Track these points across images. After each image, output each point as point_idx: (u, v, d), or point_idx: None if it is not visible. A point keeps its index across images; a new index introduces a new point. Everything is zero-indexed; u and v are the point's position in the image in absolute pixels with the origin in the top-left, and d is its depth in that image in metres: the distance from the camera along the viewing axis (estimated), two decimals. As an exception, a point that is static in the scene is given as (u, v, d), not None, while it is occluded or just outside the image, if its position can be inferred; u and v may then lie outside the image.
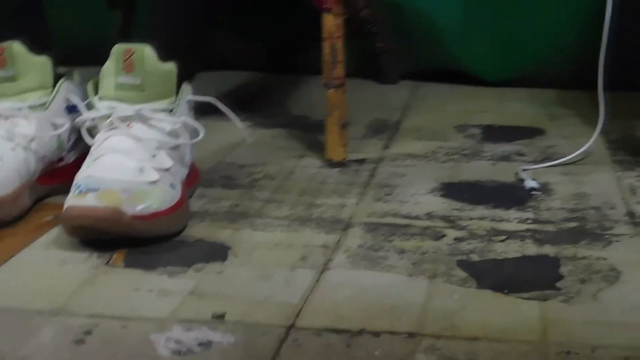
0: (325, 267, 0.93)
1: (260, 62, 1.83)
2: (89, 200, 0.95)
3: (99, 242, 0.98)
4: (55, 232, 1.02)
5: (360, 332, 0.79)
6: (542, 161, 1.28)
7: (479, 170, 1.26)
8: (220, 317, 0.82)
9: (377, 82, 1.79)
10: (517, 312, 0.83)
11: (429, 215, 1.08)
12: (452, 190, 1.17)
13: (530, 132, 1.44)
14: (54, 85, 1.10)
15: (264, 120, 1.49)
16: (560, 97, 1.66)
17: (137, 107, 1.04)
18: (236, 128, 1.12)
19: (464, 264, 0.94)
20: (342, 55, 1.25)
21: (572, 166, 1.27)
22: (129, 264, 0.94)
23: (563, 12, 1.68)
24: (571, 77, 1.69)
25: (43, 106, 1.08)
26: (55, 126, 1.09)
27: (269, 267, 0.93)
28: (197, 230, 1.03)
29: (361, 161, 1.29)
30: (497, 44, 1.71)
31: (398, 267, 0.94)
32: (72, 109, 1.11)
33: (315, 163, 1.28)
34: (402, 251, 0.98)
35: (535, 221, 1.06)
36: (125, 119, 1.04)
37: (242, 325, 0.81)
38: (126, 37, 1.75)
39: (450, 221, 1.07)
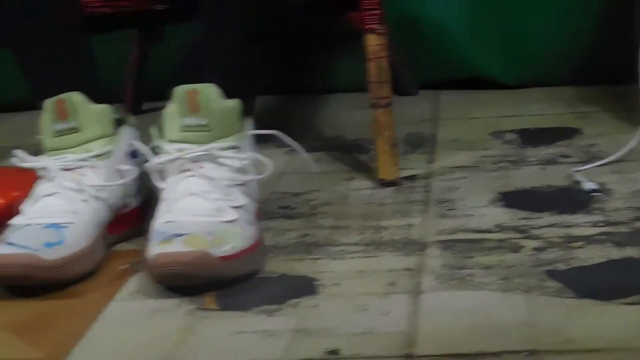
0: (417, 291, 0.94)
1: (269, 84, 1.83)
2: (177, 246, 0.95)
3: (183, 288, 0.98)
4: (135, 280, 1.02)
5: (481, 354, 0.80)
6: (589, 161, 1.30)
7: (531, 176, 1.27)
8: (334, 352, 0.82)
9: (397, 94, 1.79)
10: (626, 319, 0.84)
11: (500, 227, 1.09)
12: (512, 199, 1.18)
13: (566, 133, 1.46)
14: (114, 133, 1.10)
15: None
16: (581, 93, 1.68)
17: (206, 147, 1.04)
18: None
19: (553, 274, 0.95)
20: (388, 75, 1.25)
21: (619, 164, 1.28)
22: (223, 306, 0.94)
23: (572, 8, 1.70)
24: (587, 72, 1.71)
25: (107, 155, 1.08)
26: (121, 173, 1.09)
27: (361, 296, 0.94)
28: (276, 265, 1.03)
29: (411, 178, 1.30)
30: (509, 45, 1.72)
31: (489, 284, 0.94)
32: (134, 155, 1.11)
33: (367, 184, 1.29)
34: (486, 267, 0.98)
35: (606, 223, 1.07)
36: (196, 160, 1.04)
37: (359, 359, 0.81)
38: (141, 73, 1.76)
39: (522, 231, 1.08)
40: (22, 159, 1.08)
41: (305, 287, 0.97)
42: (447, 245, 1.05)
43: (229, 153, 1.05)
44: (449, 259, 1.01)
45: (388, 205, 1.20)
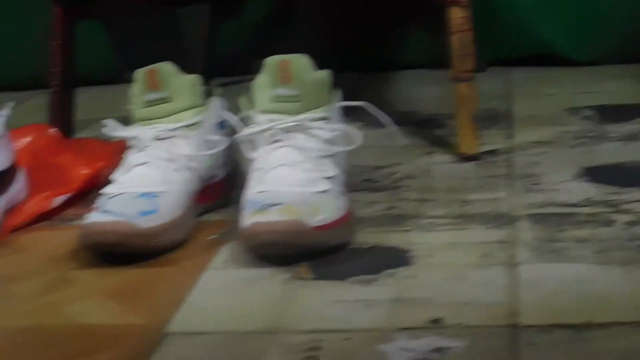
0: (513, 263, 0.94)
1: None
2: (272, 216, 0.95)
3: (276, 258, 0.98)
4: (226, 250, 1.03)
5: (588, 325, 0.79)
6: (674, 137, 1.28)
7: (614, 151, 1.26)
8: (436, 321, 0.82)
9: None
10: None
11: (589, 201, 1.09)
12: (597, 174, 1.17)
13: (644, 109, 1.44)
14: (204, 103, 1.10)
15: (373, 120, 1.48)
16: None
17: (298, 117, 1.04)
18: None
19: (650, 249, 0.94)
20: (471, 48, 1.25)
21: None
22: (318, 276, 0.94)
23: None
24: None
25: (198, 125, 1.09)
26: (210, 144, 1.09)
27: (457, 267, 0.94)
28: (366, 237, 1.03)
29: (492, 153, 1.29)
30: (581, 21, 1.71)
31: (585, 257, 0.94)
32: (222, 125, 1.11)
33: (447, 158, 1.28)
34: (580, 240, 0.98)
35: (699, 199, 1.06)
36: (287, 131, 1.04)
37: (464, 328, 0.81)
38: (210, 48, 1.76)
39: (612, 205, 1.07)
40: (113, 129, 1.09)
41: (398, 258, 0.97)
42: (537, 218, 1.05)
43: (319, 124, 1.05)
44: (541, 232, 1.01)
45: (471, 179, 1.20)
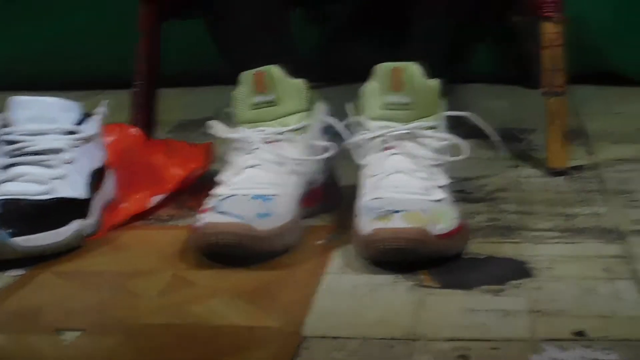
0: (637, 278, 0.93)
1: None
2: (396, 222, 0.94)
3: (392, 265, 0.97)
4: (337, 255, 1.02)
5: None
6: None
7: None
8: (580, 334, 0.82)
9: (526, 86, 1.79)
10: None
11: (695, 220, 1.08)
12: (695, 193, 1.17)
13: None
14: (310, 107, 1.10)
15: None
16: None
17: (410, 125, 1.04)
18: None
19: None
20: (563, 63, 1.25)
21: None
22: (444, 284, 0.93)
23: None
24: None
25: (304, 129, 1.08)
26: (315, 148, 1.09)
27: (583, 280, 0.93)
28: (477, 247, 1.03)
29: (578, 168, 1.29)
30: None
31: None
32: (325, 131, 1.11)
33: (535, 172, 1.28)
34: (699, 257, 0.97)
35: None
36: (398, 138, 1.03)
37: (611, 342, 0.80)
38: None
39: None
40: (220, 130, 1.08)
41: (519, 269, 0.97)
42: (646, 234, 1.04)
43: (430, 132, 1.05)
44: (656, 248, 1.00)
45: (566, 193, 1.20)
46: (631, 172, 1.27)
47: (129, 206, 1.14)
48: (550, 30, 1.24)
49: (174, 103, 1.56)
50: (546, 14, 1.23)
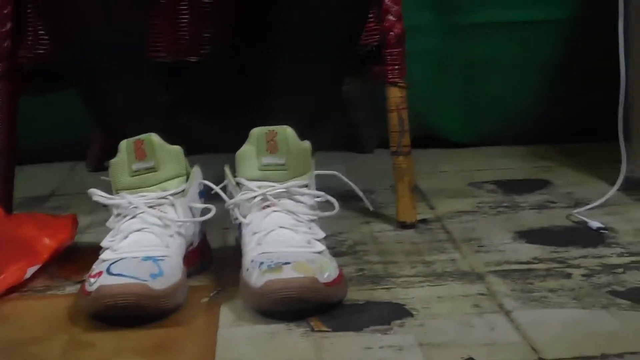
0: (506, 310, 1.03)
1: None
2: (288, 273, 1.01)
3: (283, 314, 1.03)
4: (225, 310, 1.07)
5: (604, 356, 0.90)
6: (577, 206, 1.43)
7: (533, 218, 1.39)
8: (469, 359, 0.91)
9: (355, 152, 1.90)
10: None
11: (538, 259, 1.21)
12: (531, 237, 1.30)
13: (539, 184, 1.60)
14: (187, 172, 1.15)
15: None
16: (530, 151, 1.84)
17: (286, 184, 1.11)
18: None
19: (617, 294, 1.07)
20: (408, 125, 1.36)
21: (606, 208, 1.43)
22: (334, 328, 1.00)
23: (522, 77, 1.87)
24: (533, 133, 1.89)
25: (183, 193, 1.13)
26: (193, 211, 1.14)
27: (458, 316, 1.02)
28: (354, 294, 1.10)
29: (424, 221, 1.40)
30: (466, 107, 1.87)
31: (566, 303, 1.05)
32: (201, 194, 1.16)
33: (386, 227, 1.38)
34: (552, 290, 1.09)
35: (631, 254, 1.21)
36: (277, 197, 1.10)
37: (499, 364, 0.90)
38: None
39: (561, 262, 1.19)
40: (103, 197, 1.11)
41: (398, 310, 1.05)
42: (501, 274, 1.15)
43: (304, 190, 1.12)
44: (513, 285, 1.11)
45: (420, 243, 1.30)
46: (471, 222, 1.38)
47: (6, 278, 1.14)
48: (396, 95, 1.35)
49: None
50: (392, 79, 1.34)
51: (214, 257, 1.25)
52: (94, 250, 1.26)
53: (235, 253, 1.22)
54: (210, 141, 1.53)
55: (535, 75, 1.87)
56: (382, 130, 1.87)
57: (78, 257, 1.28)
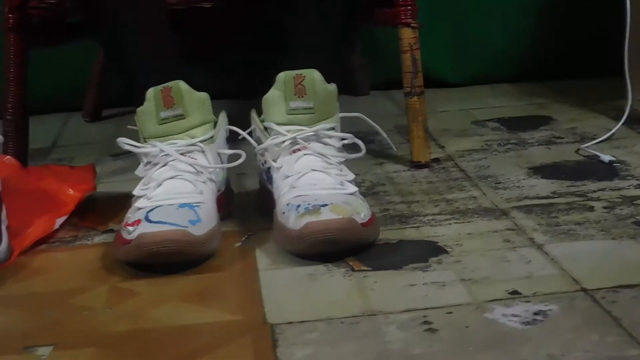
0: (538, 244, 1.06)
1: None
2: (327, 215, 1.02)
3: (319, 256, 1.05)
4: (260, 254, 1.08)
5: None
6: (583, 141, 1.46)
7: (543, 154, 1.42)
8: (515, 292, 0.93)
9: (351, 94, 1.91)
10: None
11: (557, 194, 1.23)
12: (545, 172, 1.33)
13: (542, 120, 1.62)
14: (214, 119, 1.15)
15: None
16: (523, 89, 1.86)
17: (315, 128, 1.12)
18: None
19: (644, 224, 1.09)
20: (421, 65, 1.37)
21: (612, 142, 1.45)
22: (374, 267, 1.02)
23: (513, 14, 1.89)
24: (519, 73, 1.91)
25: (211, 139, 1.13)
26: (221, 157, 1.14)
27: (492, 251, 1.04)
28: (385, 234, 1.12)
29: (436, 160, 1.42)
30: (456, 47, 1.89)
31: (594, 235, 1.07)
32: (227, 140, 1.17)
33: (401, 167, 1.40)
34: (578, 223, 1.11)
35: (649, 185, 1.24)
36: (307, 140, 1.11)
37: (544, 296, 0.92)
38: (102, 80, 1.78)
39: (581, 195, 1.22)
40: (132, 146, 1.11)
41: (433, 248, 1.07)
42: (524, 210, 1.18)
43: (331, 133, 1.13)
44: (538, 220, 1.13)
45: (437, 182, 1.31)
46: (483, 160, 1.40)
47: (35, 230, 1.14)
48: (409, 35, 1.35)
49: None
50: (405, 20, 1.35)
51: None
52: (111, 200, 1.28)
53: (257, 198, 1.23)
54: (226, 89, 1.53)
55: (522, 11, 1.88)
56: (373, 73, 1.90)
57: (96, 207, 1.29)
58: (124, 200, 1.27)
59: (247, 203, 1.26)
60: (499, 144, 1.49)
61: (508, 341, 0.83)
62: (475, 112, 1.71)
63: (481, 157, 1.42)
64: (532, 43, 1.89)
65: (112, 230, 1.19)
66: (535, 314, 0.88)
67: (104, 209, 1.28)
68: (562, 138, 1.50)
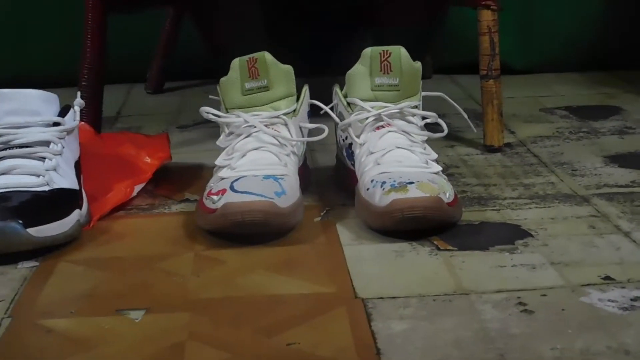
0: (624, 232, 1.04)
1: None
2: (414, 192, 1.01)
3: (401, 233, 1.04)
4: (342, 228, 1.07)
5: None
6: (655, 131, 1.44)
7: (617, 143, 1.40)
8: (608, 278, 0.92)
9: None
10: None
11: (637, 183, 1.21)
12: (622, 161, 1.31)
13: (611, 110, 1.61)
14: (297, 92, 1.15)
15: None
16: (588, 78, 1.84)
17: (400, 105, 1.11)
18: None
19: None
20: (499, 48, 1.35)
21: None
22: (459, 247, 1.01)
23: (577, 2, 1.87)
24: (586, 61, 1.89)
25: (294, 112, 1.13)
26: (303, 130, 1.14)
27: (577, 237, 1.03)
28: (466, 215, 1.11)
29: (509, 145, 1.40)
30: (524, 33, 1.87)
31: (683, 225, 1.06)
32: (308, 114, 1.16)
33: (473, 150, 1.38)
34: (663, 212, 1.10)
35: None
36: (391, 117, 1.10)
37: (633, 283, 0.91)
38: (168, 51, 1.77)
39: (661, 185, 1.20)
40: (215, 116, 1.11)
41: (517, 230, 1.06)
42: (605, 197, 1.16)
43: (416, 111, 1.12)
44: (622, 207, 1.12)
45: (512, 167, 1.30)
46: (556, 147, 1.39)
47: (114, 196, 1.14)
48: (488, 18, 1.34)
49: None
50: (485, 2, 1.34)
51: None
52: (184, 170, 1.28)
53: (334, 173, 1.23)
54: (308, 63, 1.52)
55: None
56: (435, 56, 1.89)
57: (170, 176, 1.28)
58: (197, 171, 1.28)
59: (321, 178, 1.25)
60: (570, 131, 1.47)
61: (607, 325, 0.82)
62: (543, 99, 1.69)
63: (553, 143, 1.41)
64: (602, 30, 1.87)
65: (187, 200, 1.18)
66: (632, 300, 0.87)
67: (178, 178, 1.28)
68: (635, 128, 1.48)
